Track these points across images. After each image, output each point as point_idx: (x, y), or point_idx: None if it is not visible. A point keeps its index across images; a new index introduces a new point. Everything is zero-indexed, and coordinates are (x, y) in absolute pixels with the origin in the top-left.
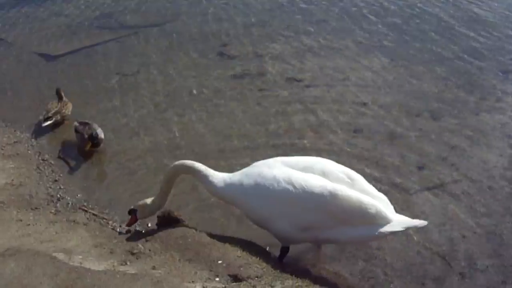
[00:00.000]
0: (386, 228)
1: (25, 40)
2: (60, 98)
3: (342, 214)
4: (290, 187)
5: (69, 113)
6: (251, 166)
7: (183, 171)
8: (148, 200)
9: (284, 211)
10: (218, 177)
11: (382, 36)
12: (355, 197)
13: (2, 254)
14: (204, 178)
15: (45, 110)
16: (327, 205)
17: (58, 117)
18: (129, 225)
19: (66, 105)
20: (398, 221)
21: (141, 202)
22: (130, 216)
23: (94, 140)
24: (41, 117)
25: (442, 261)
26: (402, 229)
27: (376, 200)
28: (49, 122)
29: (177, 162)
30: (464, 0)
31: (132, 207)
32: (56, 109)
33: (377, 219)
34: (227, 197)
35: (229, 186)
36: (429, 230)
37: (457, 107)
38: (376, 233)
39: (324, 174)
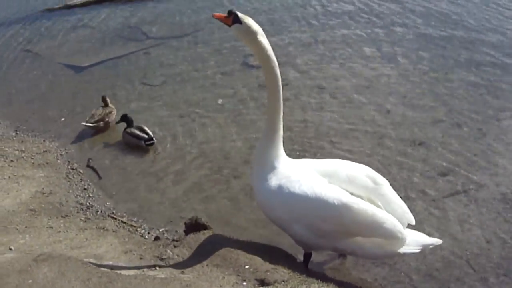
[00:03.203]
0: (401, 249)
1: (53, 52)
2: (105, 105)
3: (354, 226)
4: (310, 194)
5: (112, 120)
6: (289, 165)
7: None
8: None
9: (301, 217)
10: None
11: (405, 44)
12: (370, 211)
13: (35, 260)
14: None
15: (91, 114)
16: (339, 217)
17: (101, 124)
18: (219, 17)
19: (110, 112)
20: (413, 240)
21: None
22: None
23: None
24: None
25: (466, 265)
26: (418, 250)
27: (390, 216)
28: (89, 125)
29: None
30: (489, 7)
31: (239, 14)
32: (100, 116)
33: (392, 239)
34: (257, 194)
35: (262, 185)
36: (453, 235)
37: (479, 114)
38: (391, 252)
39: (349, 179)
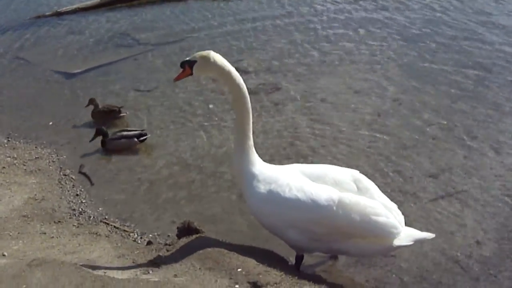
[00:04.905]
0: (395, 242)
1: (44, 59)
2: (96, 106)
3: (349, 226)
4: (300, 197)
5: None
6: (271, 169)
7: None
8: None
9: (294, 221)
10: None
11: (395, 50)
12: (362, 204)
13: (28, 265)
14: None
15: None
16: (333, 218)
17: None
18: (180, 77)
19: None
20: (406, 234)
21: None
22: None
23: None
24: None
25: (456, 267)
26: (411, 243)
27: (383, 207)
28: (124, 114)
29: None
30: (475, 15)
31: (188, 58)
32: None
33: (386, 230)
34: (248, 203)
35: (252, 193)
36: (444, 237)
37: (469, 117)
38: (385, 247)
39: (336, 183)
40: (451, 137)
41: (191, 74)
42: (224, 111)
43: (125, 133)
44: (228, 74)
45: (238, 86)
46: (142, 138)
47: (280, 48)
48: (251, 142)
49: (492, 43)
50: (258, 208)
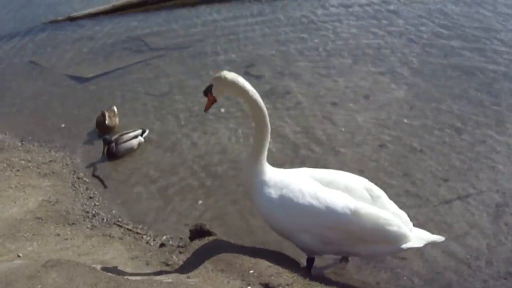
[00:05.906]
0: (406, 245)
1: (57, 63)
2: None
3: (362, 233)
4: (315, 203)
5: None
6: (281, 174)
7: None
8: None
9: (307, 226)
10: (265, 175)
11: (405, 53)
12: (376, 215)
13: (43, 265)
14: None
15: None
16: (348, 225)
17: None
18: (209, 105)
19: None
20: (417, 236)
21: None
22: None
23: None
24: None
25: (467, 269)
26: (422, 245)
27: (396, 218)
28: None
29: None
30: (486, 15)
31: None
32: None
33: (397, 238)
34: (259, 208)
35: (262, 198)
36: (454, 240)
37: (479, 121)
38: (396, 249)
39: (347, 190)
40: (460, 140)
41: (215, 99)
42: (236, 115)
43: (132, 133)
44: (242, 89)
45: (255, 101)
46: (145, 135)
47: (291, 52)
48: (265, 155)
49: (502, 48)
50: (270, 213)
